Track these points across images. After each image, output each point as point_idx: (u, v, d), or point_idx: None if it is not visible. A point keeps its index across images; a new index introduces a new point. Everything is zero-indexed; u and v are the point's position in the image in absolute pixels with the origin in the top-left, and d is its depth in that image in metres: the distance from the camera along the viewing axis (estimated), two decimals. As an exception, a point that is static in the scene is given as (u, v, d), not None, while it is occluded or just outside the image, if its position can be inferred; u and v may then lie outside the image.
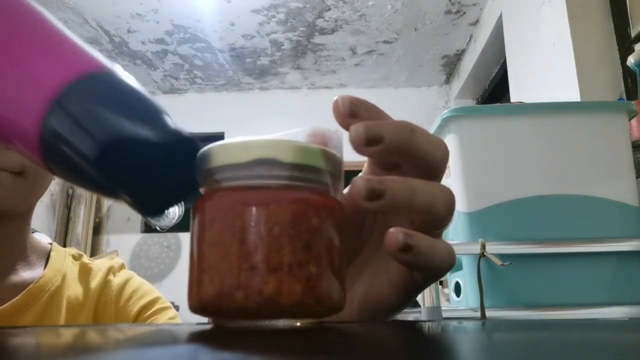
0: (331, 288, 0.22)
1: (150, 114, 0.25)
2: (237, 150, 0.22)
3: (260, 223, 0.21)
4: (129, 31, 2.94)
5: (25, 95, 0.24)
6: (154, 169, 0.24)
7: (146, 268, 3.25)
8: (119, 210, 3.46)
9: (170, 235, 3.39)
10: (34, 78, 0.24)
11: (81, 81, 0.24)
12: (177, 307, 0.87)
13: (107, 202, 3.48)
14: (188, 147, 0.25)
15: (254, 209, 0.21)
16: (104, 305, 0.57)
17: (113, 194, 0.25)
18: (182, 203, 0.27)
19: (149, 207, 0.26)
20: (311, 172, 0.22)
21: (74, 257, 0.60)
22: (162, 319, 0.58)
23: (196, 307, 0.22)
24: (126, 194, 0.24)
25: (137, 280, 0.61)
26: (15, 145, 0.25)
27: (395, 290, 0.27)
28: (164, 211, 0.26)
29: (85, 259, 0.61)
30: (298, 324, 0.22)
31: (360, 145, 0.23)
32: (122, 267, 0.62)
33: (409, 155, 0.24)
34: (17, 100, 0.24)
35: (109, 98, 0.24)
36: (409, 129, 0.24)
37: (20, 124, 0.24)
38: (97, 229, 3.43)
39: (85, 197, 3.39)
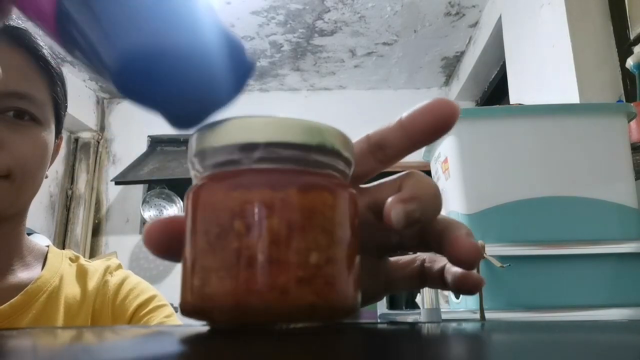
0: (346, 289, 0.19)
1: (180, 9, 0.20)
2: (234, 130, 0.19)
3: (264, 213, 0.18)
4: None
5: None
6: (179, 81, 0.19)
7: (145, 269, 3.25)
8: (119, 212, 3.46)
9: (169, 236, 3.38)
10: None
11: None
12: (175, 309, 0.87)
13: (106, 204, 3.48)
14: (222, 47, 0.20)
15: (255, 196, 0.18)
16: (101, 305, 0.57)
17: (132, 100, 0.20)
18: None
19: (174, 119, 0.21)
20: (327, 154, 0.19)
21: (70, 259, 0.61)
22: (159, 316, 0.58)
23: (189, 310, 0.19)
24: (148, 106, 0.20)
25: (133, 279, 0.61)
26: (35, 20, 0.21)
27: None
28: (195, 124, 0.21)
29: (82, 260, 0.61)
30: (299, 325, 0.19)
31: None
32: (118, 266, 0.63)
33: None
34: None
35: None
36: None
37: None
38: (97, 231, 3.43)
39: (84, 199, 3.39)
